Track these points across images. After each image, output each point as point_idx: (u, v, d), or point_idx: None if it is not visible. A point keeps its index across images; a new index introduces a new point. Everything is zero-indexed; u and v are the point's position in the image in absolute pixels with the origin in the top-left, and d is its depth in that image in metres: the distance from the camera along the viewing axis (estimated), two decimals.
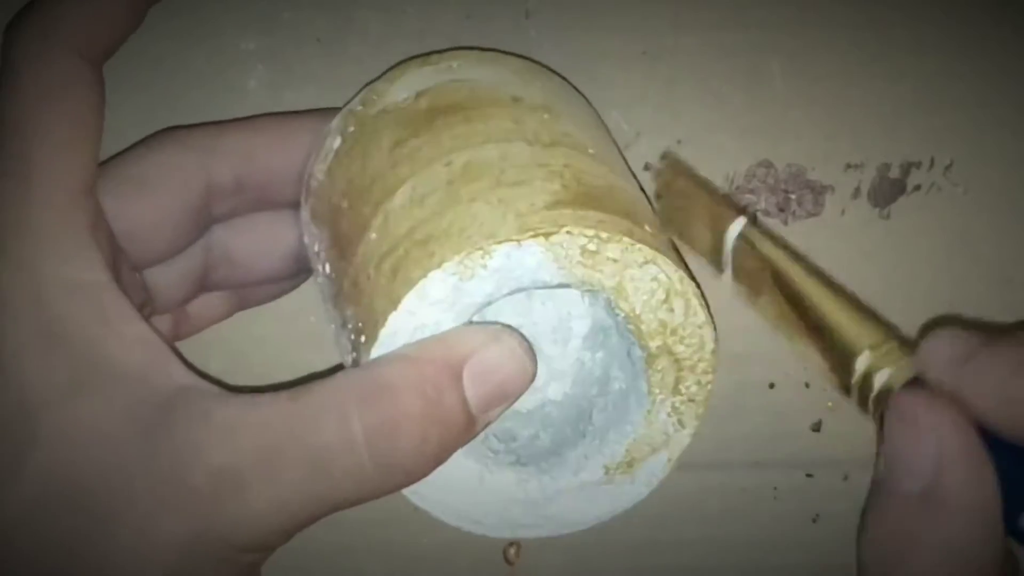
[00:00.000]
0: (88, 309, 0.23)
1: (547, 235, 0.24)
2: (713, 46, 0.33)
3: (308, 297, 0.33)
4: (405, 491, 0.25)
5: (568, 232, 0.24)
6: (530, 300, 0.27)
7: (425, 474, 0.23)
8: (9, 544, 0.22)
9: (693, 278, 0.25)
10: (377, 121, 0.28)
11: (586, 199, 0.25)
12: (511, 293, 0.25)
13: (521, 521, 0.28)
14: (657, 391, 0.26)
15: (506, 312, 0.28)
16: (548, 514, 0.28)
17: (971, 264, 0.34)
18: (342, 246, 0.27)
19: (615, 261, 0.24)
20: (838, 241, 0.33)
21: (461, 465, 0.26)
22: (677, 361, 0.26)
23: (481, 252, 0.23)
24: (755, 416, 0.34)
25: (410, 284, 0.24)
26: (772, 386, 0.34)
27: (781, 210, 0.33)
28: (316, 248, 0.28)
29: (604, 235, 0.24)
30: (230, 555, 0.22)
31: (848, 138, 0.33)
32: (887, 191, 0.33)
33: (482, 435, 0.26)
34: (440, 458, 0.23)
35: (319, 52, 0.32)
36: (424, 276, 0.23)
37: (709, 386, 0.27)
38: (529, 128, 0.27)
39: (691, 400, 0.27)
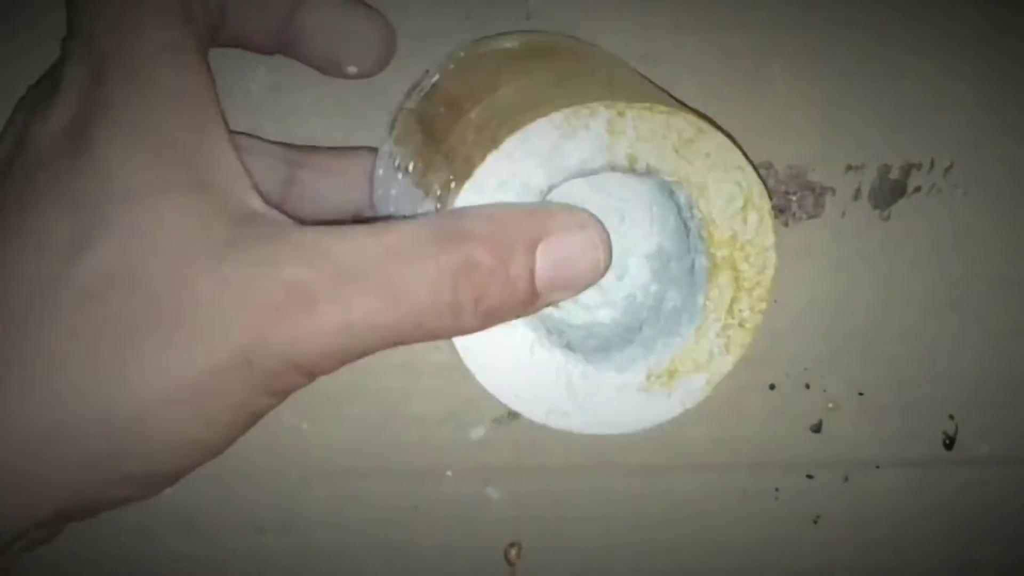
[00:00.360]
0: (190, 122, 0.23)
1: (652, 110, 0.25)
2: (714, 47, 0.33)
3: None
4: (457, 344, 0.26)
5: (671, 115, 0.25)
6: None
7: (473, 329, 0.24)
8: (62, 320, 0.22)
9: (772, 200, 0.26)
10: (481, 57, 0.29)
11: (683, 108, 0.26)
12: (601, 170, 0.25)
13: (556, 406, 0.28)
14: (711, 307, 0.27)
15: None
16: (584, 406, 0.28)
17: (971, 266, 0.34)
18: (434, 138, 0.27)
19: (707, 156, 0.26)
20: (838, 242, 0.33)
21: (517, 331, 0.27)
22: (737, 279, 0.27)
23: (588, 111, 0.25)
24: (756, 417, 0.34)
25: (514, 130, 0.24)
26: (772, 387, 0.34)
27: (781, 211, 0.33)
28: (397, 162, 0.29)
29: (704, 126, 0.25)
30: (281, 369, 0.22)
31: (849, 139, 0.33)
32: (887, 193, 0.33)
33: (543, 312, 0.27)
34: (492, 318, 0.24)
35: None
36: (530, 122, 0.24)
37: (761, 315, 0.27)
38: (626, 71, 0.30)
39: (741, 325, 0.28)
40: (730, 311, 0.27)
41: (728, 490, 0.34)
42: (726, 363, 0.28)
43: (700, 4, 0.33)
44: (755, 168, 0.27)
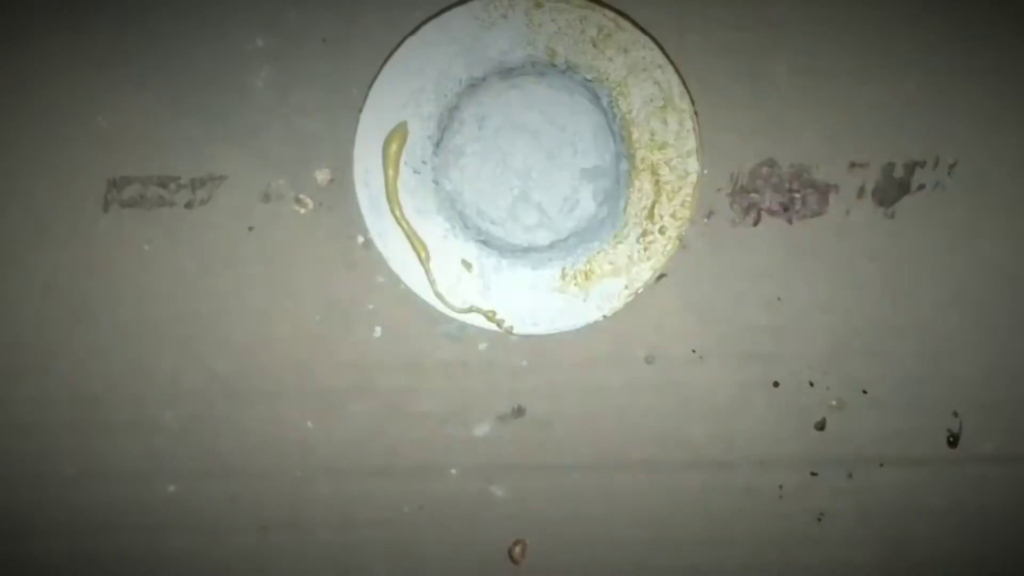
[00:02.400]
0: None
1: (571, 2, 0.26)
2: (718, 45, 0.33)
3: (314, 299, 0.33)
4: (371, 232, 0.28)
5: (589, 8, 0.26)
6: (549, 163, 0.28)
7: None
8: None
9: (694, 104, 0.26)
10: None
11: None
12: (522, 64, 0.26)
13: (471, 300, 0.29)
14: (632, 212, 0.27)
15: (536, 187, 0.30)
16: (498, 302, 0.29)
17: (975, 263, 0.34)
18: None
19: (627, 53, 0.26)
20: (842, 240, 0.33)
21: (432, 219, 0.27)
22: (658, 184, 0.28)
23: (508, 0, 0.26)
24: (759, 415, 0.34)
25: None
26: (776, 385, 0.34)
27: (785, 209, 0.33)
28: None
29: (625, 24, 0.26)
30: None
31: (853, 137, 0.33)
32: (892, 190, 0.33)
33: (460, 204, 0.28)
34: None
35: (325, 52, 0.33)
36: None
37: (683, 223, 0.27)
38: None
39: (662, 232, 0.28)
40: (650, 216, 0.28)
41: (732, 487, 0.34)
42: (645, 269, 0.28)
43: (705, 2, 0.33)
44: (677, 71, 0.27)
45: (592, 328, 0.31)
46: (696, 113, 0.27)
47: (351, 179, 0.32)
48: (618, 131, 0.28)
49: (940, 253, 0.34)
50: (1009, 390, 0.34)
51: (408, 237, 0.30)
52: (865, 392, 0.34)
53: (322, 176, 0.33)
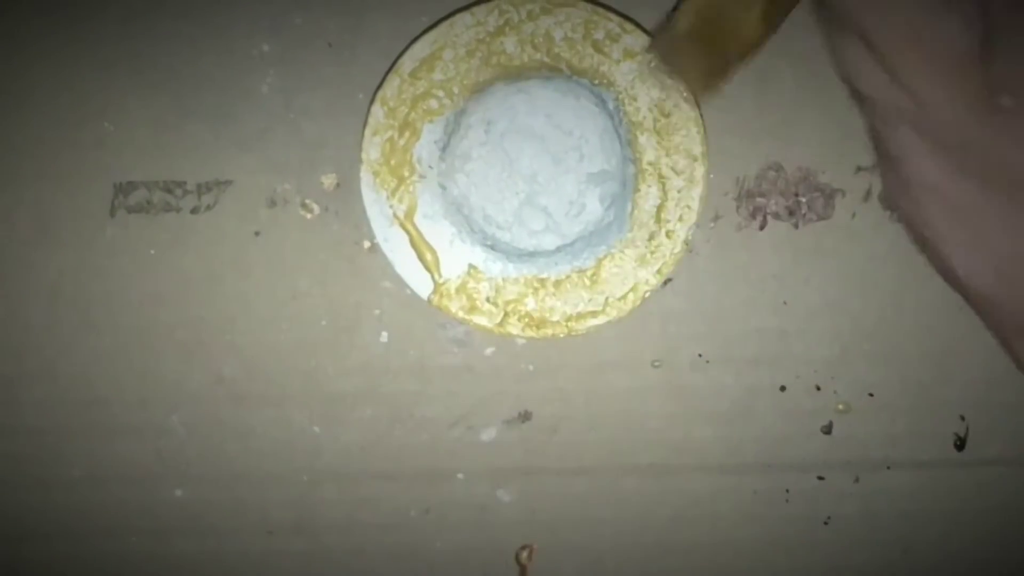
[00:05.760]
0: None
1: (576, 5, 0.26)
2: None
3: (320, 304, 0.33)
4: (378, 236, 0.28)
5: (594, 11, 0.26)
6: (556, 167, 0.28)
7: None
8: None
9: (699, 108, 0.26)
10: None
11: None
12: (528, 68, 0.26)
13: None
14: (638, 216, 0.27)
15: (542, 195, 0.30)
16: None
17: None
18: None
19: (632, 56, 0.25)
20: (848, 244, 0.33)
21: (439, 224, 0.27)
22: (664, 188, 0.27)
23: (511, 4, 0.26)
24: (766, 419, 0.34)
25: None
26: (783, 389, 0.34)
27: (791, 213, 0.33)
28: None
29: (629, 26, 0.26)
30: None
31: (858, 141, 0.33)
32: None
33: (466, 208, 0.28)
34: None
35: (330, 56, 0.33)
36: None
37: (689, 227, 0.27)
38: None
39: (668, 235, 0.28)
40: (657, 220, 0.28)
41: (739, 491, 0.34)
42: (651, 273, 0.28)
43: None
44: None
45: (598, 332, 0.31)
46: (702, 117, 0.27)
47: (357, 184, 0.32)
48: (624, 135, 0.28)
49: None
50: (1015, 393, 0.34)
51: (414, 242, 0.31)
52: (872, 396, 0.34)
53: (328, 181, 0.33)
